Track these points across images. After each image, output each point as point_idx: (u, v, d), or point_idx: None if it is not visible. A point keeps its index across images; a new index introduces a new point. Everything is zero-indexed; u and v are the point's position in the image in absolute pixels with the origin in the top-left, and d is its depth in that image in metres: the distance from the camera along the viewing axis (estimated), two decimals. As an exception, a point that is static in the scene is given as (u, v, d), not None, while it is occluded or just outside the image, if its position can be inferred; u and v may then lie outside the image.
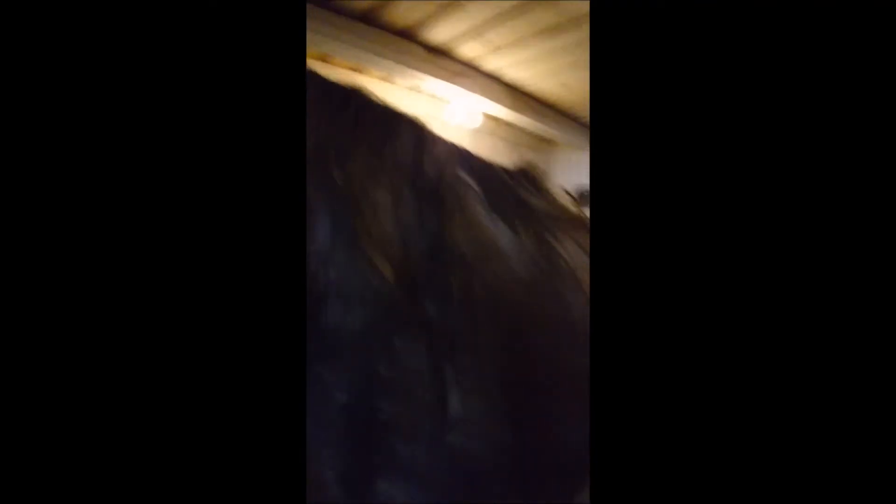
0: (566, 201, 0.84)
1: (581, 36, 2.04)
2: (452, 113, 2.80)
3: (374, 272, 0.56)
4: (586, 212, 0.70)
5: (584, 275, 0.66)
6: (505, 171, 0.76)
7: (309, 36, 2.04)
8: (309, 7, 1.94)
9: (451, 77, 2.48)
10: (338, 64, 2.54)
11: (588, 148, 1.56)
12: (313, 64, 0.70)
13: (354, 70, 2.62)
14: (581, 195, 0.95)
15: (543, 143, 3.57)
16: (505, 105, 2.76)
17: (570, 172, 3.07)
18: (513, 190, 0.72)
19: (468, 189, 0.68)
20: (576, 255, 0.69)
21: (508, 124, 3.14)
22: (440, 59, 2.38)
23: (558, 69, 2.47)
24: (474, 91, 2.57)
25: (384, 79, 2.69)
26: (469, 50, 2.30)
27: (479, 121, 2.87)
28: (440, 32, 2.16)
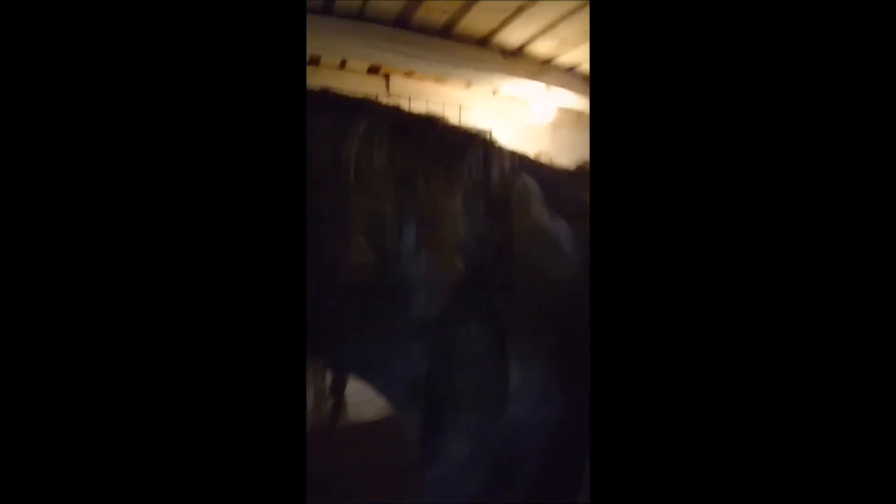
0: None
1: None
2: (532, 111, 2.86)
3: (451, 269, 0.68)
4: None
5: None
6: (566, 171, 0.84)
7: (392, 56, 2.23)
8: (390, 29, 2.12)
9: (530, 76, 2.54)
10: (422, 77, 2.71)
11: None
12: (398, 100, 0.82)
13: (439, 82, 2.78)
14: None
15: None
16: (585, 96, 2.76)
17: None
18: (572, 189, 0.80)
19: (531, 192, 0.77)
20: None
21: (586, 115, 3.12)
22: (517, 61, 2.45)
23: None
24: (553, 87, 2.61)
25: (466, 85, 2.82)
26: (544, 49, 2.35)
27: (553, 115, 2.89)
28: (514, 36, 2.23)
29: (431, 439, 0.67)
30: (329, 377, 0.72)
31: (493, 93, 2.91)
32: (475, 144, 0.76)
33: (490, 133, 0.82)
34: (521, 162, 0.79)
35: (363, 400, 0.77)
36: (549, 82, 2.56)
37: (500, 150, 0.78)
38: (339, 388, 0.73)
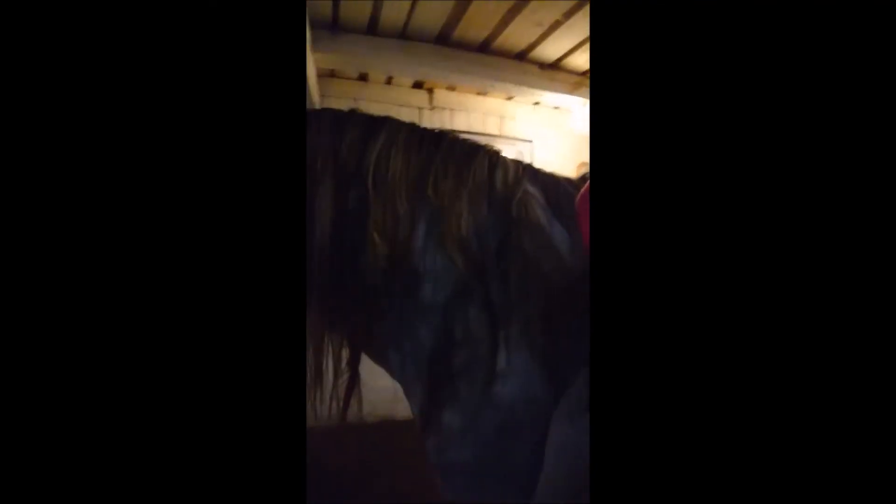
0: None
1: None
2: (573, 121, 2.91)
3: (454, 264, 0.77)
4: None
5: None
6: (568, 180, 0.92)
7: (438, 72, 2.36)
8: (433, 46, 2.25)
9: (570, 89, 2.60)
10: (464, 90, 2.83)
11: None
12: (413, 114, 0.93)
13: (480, 95, 2.89)
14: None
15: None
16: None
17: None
18: (572, 196, 0.87)
19: (533, 199, 0.85)
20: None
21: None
22: (556, 73, 2.52)
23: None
24: (593, 99, 2.65)
25: (507, 98, 2.91)
26: (581, 61, 2.41)
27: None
28: (551, 50, 2.31)
29: (431, 411, 0.77)
30: (346, 353, 0.83)
31: (535, 104, 2.99)
32: (482, 154, 0.85)
33: (494, 145, 0.91)
34: (524, 171, 0.88)
35: (376, 374, 0.88)
36: (587, 95, 2.62)
37: (505, 160, 0.87)
38: (354, 363, 0.84)
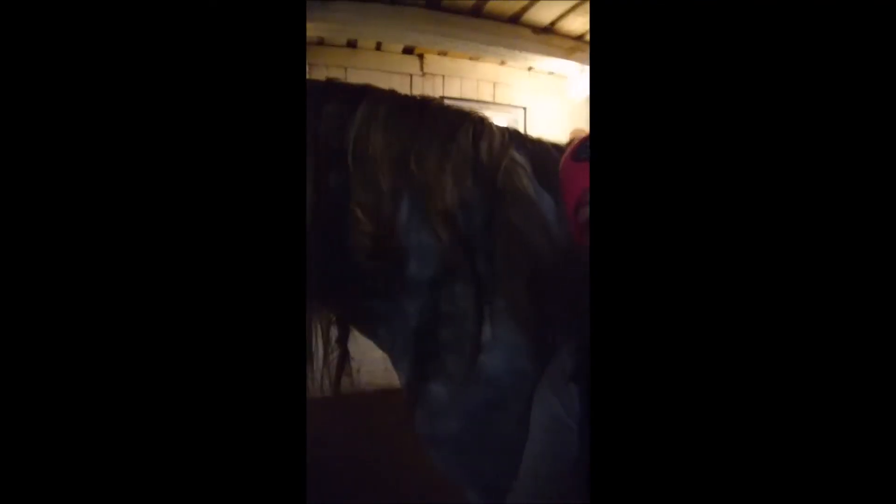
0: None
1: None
2: (569, 87, 2.85)
3: (439, 238, 0.76)
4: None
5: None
6: (556, 147, 0.90)
7: (429, 37, 2.29)
8: (424, 11, 2.18)
9: (565, 54, 2.53)
10: (456, 56, 2.76)
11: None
12: (403, 81, 0.90)
13: (473, 60, 2.82)
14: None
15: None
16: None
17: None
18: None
19: (519, 168, 0.83)
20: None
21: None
22: (550, 37, 2.45)
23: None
24: (587, 64, 2.59)
25: (500, 63, 2.84)
26: (575, 25, 2.34)
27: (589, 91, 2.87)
28: (544, 13, 2.24)
29: (418, 383, 0.77)
30: (335, 331, 0.83)
31: (529, 70, 2.92)
32: (466, 123, 0.83)
33: (481, 112, 0.89)
34: (510, 138, 0.86)
35: (368, 346, 0.88)
36: (583, 60, 2.55)
37: (491, 128, 0.85)
38: (343, 339, 0.84)
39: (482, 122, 0.86)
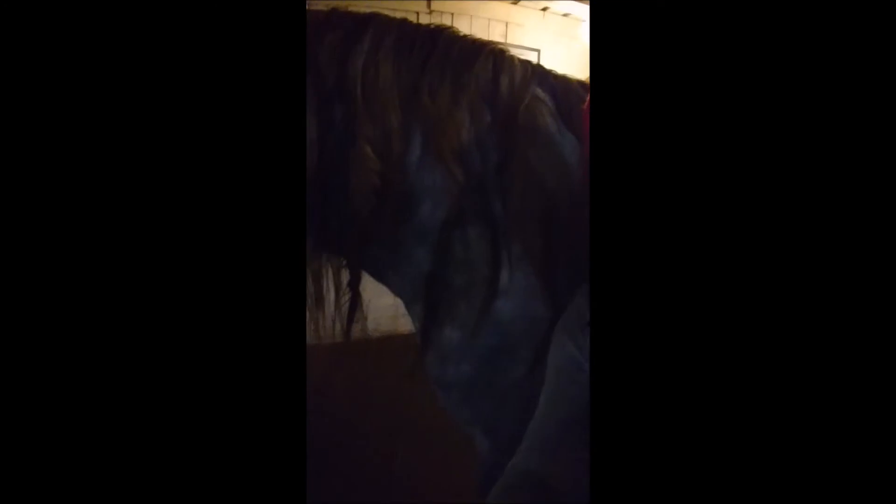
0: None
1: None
2: (584, 30, 2.71)
3: (454, 178, 0.72)
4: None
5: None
6: (581, 84, 0.84)
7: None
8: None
9: (582, -8, 2.40)
10: (467, -6, 2.61)
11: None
12: (409, 18, 0.82)
13: (483, -2, 2.67)
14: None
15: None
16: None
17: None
18: (585, 101, 0.80)
19: (542, 105, 0.78)
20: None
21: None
22: (567, -26, 2.31)
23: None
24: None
25: (513, 2, 2.70)
26: (596, -40, 2.20)
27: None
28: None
29: (430, 327, 0.75)
30: (345, 275, 0.80)
31: (543, 10, 2.77)
32: (485, 54, 0.76)
33: (503, 45, 0.82)
34: (533, 73, 0.80)
35: (379, 291, 0.85)
36: None
37: (512, 61, 0.79)
38: (354, 284, 0.81)
39: (502, 55, 0.79)
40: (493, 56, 0.77)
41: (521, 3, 2.68)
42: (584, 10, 2.57)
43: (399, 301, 0.83)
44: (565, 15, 2.85)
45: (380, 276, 0.82)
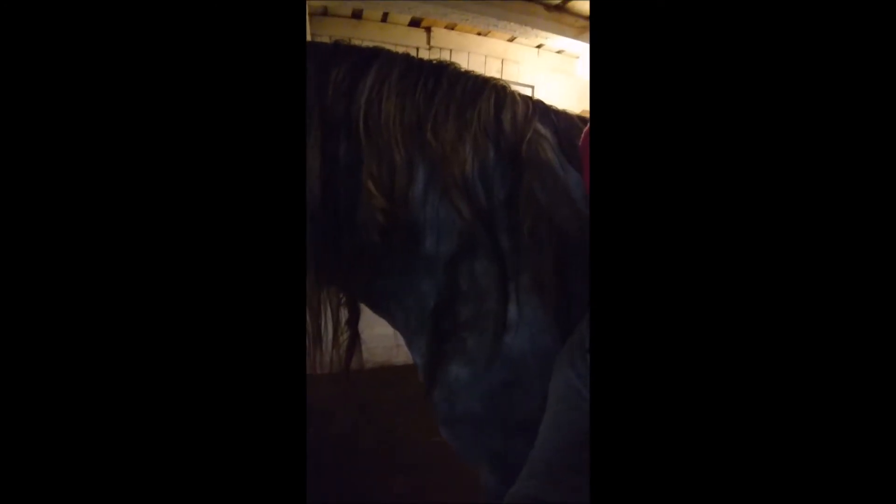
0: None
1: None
2: (578, 67, 2.77)
3: (459, 213, 0.71)
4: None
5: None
6: (582, 119, 0.84)
7: (438, 8, 2.21)
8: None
9: (575, 33, 2.45)
10: (464, 30, 2.67)
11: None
12: (438, 53, 0.82)
13: (481, 35, 2.73)
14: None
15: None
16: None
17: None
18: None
19: (544, 140, 0.78)
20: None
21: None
22: (562, 15, 2.37)
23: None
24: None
25: (510, 40, 2.76)
26: (588, 5, 2.26)
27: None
28: (559, -11, 2.16)
29: (437, 363, 0.72)
30: (344, 313, 0.78)
31: (538, 47, 2.84)
32: (488, 91, 0.76)
33: (504, 82, 0.82)
34: (535, 108, 0.80)
35: (374, 322, 0.83)
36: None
37: (514, 97, 0.79)
38: (354, 321, 0.79)
39: (504, 91, 0.79)
40: (495, 92, 0.78)
41: (516, 40, 2.74)
42: (578, 47, 2.63)
43: (395, 332, 0.81)
44: (559, 52, 2.91)
45: (380, 309, 0.80)
